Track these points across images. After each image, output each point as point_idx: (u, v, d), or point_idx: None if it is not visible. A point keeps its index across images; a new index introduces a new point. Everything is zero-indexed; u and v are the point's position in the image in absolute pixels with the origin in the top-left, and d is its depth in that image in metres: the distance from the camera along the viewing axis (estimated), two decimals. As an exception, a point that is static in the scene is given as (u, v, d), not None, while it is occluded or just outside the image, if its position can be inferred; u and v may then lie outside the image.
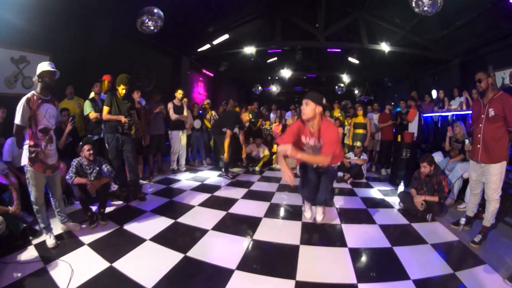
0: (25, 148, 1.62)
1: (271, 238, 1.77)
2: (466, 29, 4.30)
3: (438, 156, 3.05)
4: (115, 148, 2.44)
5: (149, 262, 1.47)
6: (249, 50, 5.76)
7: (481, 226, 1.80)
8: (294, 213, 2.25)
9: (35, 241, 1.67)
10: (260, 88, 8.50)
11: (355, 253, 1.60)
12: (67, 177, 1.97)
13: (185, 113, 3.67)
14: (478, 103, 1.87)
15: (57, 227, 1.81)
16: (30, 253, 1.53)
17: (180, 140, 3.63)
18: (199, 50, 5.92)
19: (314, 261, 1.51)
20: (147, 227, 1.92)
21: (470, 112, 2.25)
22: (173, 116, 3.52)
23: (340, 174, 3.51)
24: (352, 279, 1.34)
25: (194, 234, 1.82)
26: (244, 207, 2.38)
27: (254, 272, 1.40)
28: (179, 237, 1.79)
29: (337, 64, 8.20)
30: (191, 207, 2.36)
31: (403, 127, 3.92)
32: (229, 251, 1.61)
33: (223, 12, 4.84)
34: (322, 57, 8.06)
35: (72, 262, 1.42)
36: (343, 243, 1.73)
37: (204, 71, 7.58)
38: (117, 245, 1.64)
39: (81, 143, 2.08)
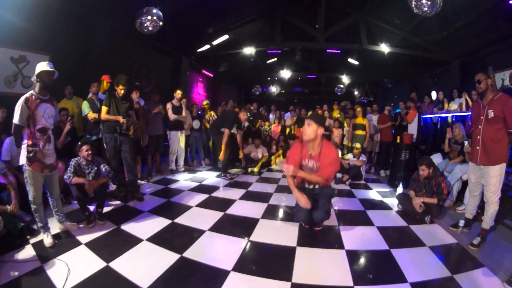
0: (23, 147, 1.62)
1: (268, 240, 1.77)
2: (466, 30, 4.29)
3: (437, 158, 3.04)
4: (113, 148, 2.44)
5: (145, 262, 1.47)
6: (249, 50, 5.77)
7: (480, 228, 1.79)
8: (291, 215, 2.22)
9: (33, 240, 1.68)
10: (259, 88, 8.51)
11: (352, 255, 1.59)
12: (65, 176, 1.97)
13: (183, 113, 3.67)
14: (477, 104, 1.86)
15: (55, 226, 1.81)
16: (27, 252, 1.53)
17: (178, 140, 3.63)
18: (198, 50, 5.94)
19: (310, 263, 1.50)
20: (144, 227, 1.92)
21: (470, 113, 2.24)
22: (171, 116, 3.52)
23: (338, 175, 3.50)
24: (349, 282, 1.34)
25: (191, 235, 1.82)
26: (242, 208, 2.37)
27: (250, 273, 1.39)
28: (176, 238, 1.79)
29: (337, 65, 8.21)
30: (189, 207, 2.36)
31: (402, 128, 3.91)
32: (226, 252, 1.60)
33: (223, 12, 4.85)
34: (322, 58, 8.07)
35: (69, 262, 1.43)
36: (340, 245, 1.72)
37: (203, 71, 7.60)
38: (114, 245, 1.64)
39: (79, 143, 2.08)
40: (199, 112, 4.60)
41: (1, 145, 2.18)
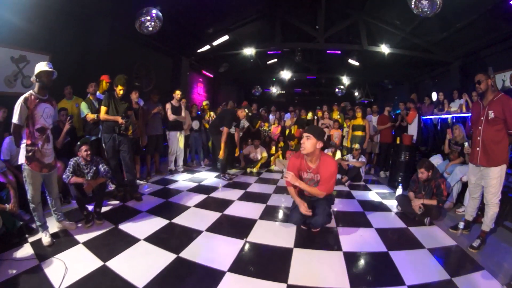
0: (22, 147, 1.63)
1: (265, 241, 1.76)
2: (466, 31, 4.28)
3: (437, 159, 3.02)
4: (112, 148, 2.45)
5: (141, 261, 1.47)
6: (249, 51, 5.78)
7: (480, 230, 1.77)
8: (287, 218, 2.23)
9: (31, 239, 1.68)
10: (260, 89, 8.52)
11: (349, 257, 1.58)
12: (64, 176, 1.98)
13: (183, 113, 3.68)
14: (477, 105, 1.84)
15: (53, 225, 1.81)
16: (26, 251, 1.54)
17: (178, 140, 3.64)
18: (199, 51, 5.95)
19: (307, 265, 1.49)
20: (142, 227, 1.92)
21: (470, 114, 2.23)
22: (171, 116, 3.53)
23: (338, 176, 3.49)
24: (346, 284, 1.32)
25: (188, 235, 1.81)
26: (240, 209, 2.37)
27: (246, 274, 1.39)
28: (173, 238, 1.79)
29: (337, 66, 8.21)
30: (187, 208, 2.36)
31: (402, 129, 3.89)
32: (222, 252, 1.60)
33: (223, 13, 4.87)
34: (322, 58, 8.08)
35: (66, 260, 1.43)
36: (338, 247, 1.71)
37: (204, 72, 7.61)
38: (112, 244, 1.64)
39: (78, 143, 2.09)
40: (199, 112, 4.60)
41: (1, 144, 2.19)
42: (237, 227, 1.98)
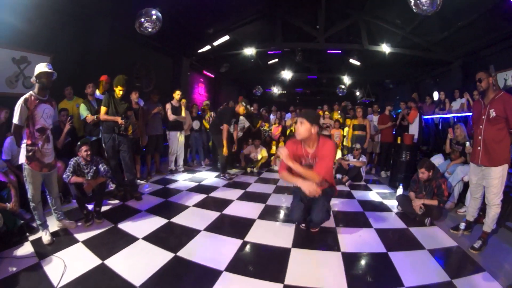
0: (23, 147, 1.65)
1: (263, 240, 1.76)
2: (467, 30, 4.24)
3: (438, 159, 2.99)
4: (112, 148, 2.46)
5: (139, 260, 1.48)
6: (249, 51, 5.78)
7: (481, 231, 1.75)
8: (288, 215, 2.22)
9: (32, 237, 1.70)
10: (261, 89, 8.52)
11: (348, 258, 1.56)
12: (64, 175, 1.99)
13: (183, 113, 3.69)
14: (478, 104, 1.82)
15: (53, 224, 1.83)
16: (26, 249, 1.56)
17: (178, 140, 3.65)
18: (199, 51, 5.97)
19: (304, 265, 1.48)
20: (141, 226, 1.92)
21: (471, 113, 2.20)
22: (171, 116, 3.54)
23: (338, 176, 3.47)
24: (343, 285, 1.31)
25: (186, 234, 1.82)
26: (239, 209, 2.37)
27: (242, 274, 1.38)
28: (171, 237, 1.79)
29: (338, 66, 8.18)
30: (186, 207, 2.36)
31: (403, 129, 3.86)
32: (220, 252, 1.60)
33: (223, 13, 4.87)
34: (322, 58, 8.06)
35: (65, 258, 1.45)
36: (336, 247, 1.69)
37: (204, 72, 7.63)
38: (110, 243, 1.65)
39: (79, 143, 2.10)
40: (199, 112, 4.61)
41: (2, 144, 2.21)
42: (235, 227, 1.98)
